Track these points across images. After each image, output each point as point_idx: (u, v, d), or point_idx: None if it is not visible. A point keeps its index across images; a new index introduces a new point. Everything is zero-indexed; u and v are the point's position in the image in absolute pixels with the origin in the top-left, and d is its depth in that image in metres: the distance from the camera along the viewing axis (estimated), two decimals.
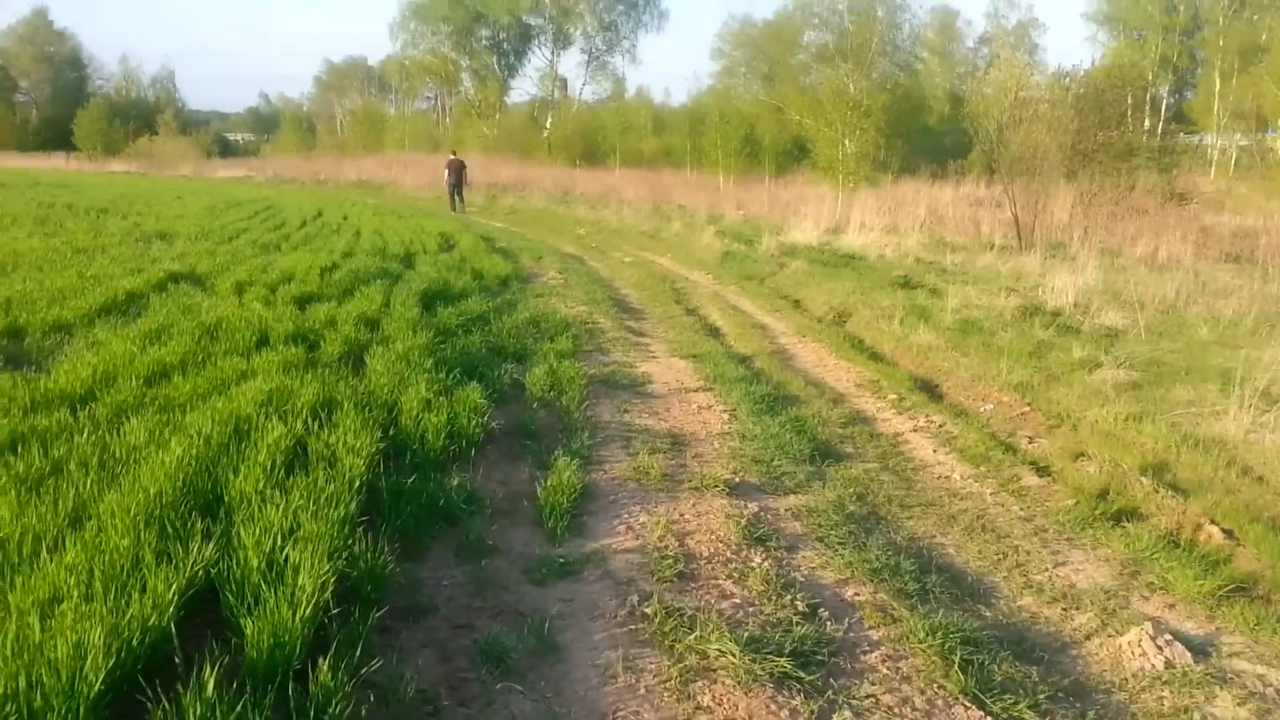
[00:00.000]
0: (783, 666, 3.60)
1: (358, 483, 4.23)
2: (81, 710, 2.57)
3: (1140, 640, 4.07)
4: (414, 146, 54.73)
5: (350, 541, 3.69)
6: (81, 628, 2.77)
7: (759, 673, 3.54)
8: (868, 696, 3.57)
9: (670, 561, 4.51)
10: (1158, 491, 5.97)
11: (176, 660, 2.92)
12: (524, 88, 62.64)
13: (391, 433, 5.38)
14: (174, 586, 3.09)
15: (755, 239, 20.08)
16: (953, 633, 3.95)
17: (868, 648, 3.91)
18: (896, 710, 3.49)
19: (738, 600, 4.19)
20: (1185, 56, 50.86)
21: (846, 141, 30.13)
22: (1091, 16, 54.37)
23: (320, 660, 2.97)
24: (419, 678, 3.40)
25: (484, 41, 60.10)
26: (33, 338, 7.26)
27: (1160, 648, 4.01)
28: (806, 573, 4.60)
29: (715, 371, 8.68)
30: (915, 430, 7.49)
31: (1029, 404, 8.23)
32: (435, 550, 4.54)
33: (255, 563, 3.35)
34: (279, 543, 3.49)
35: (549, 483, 5.16)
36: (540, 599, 4.18)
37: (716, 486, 5.58)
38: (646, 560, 4.55)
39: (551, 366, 7.93)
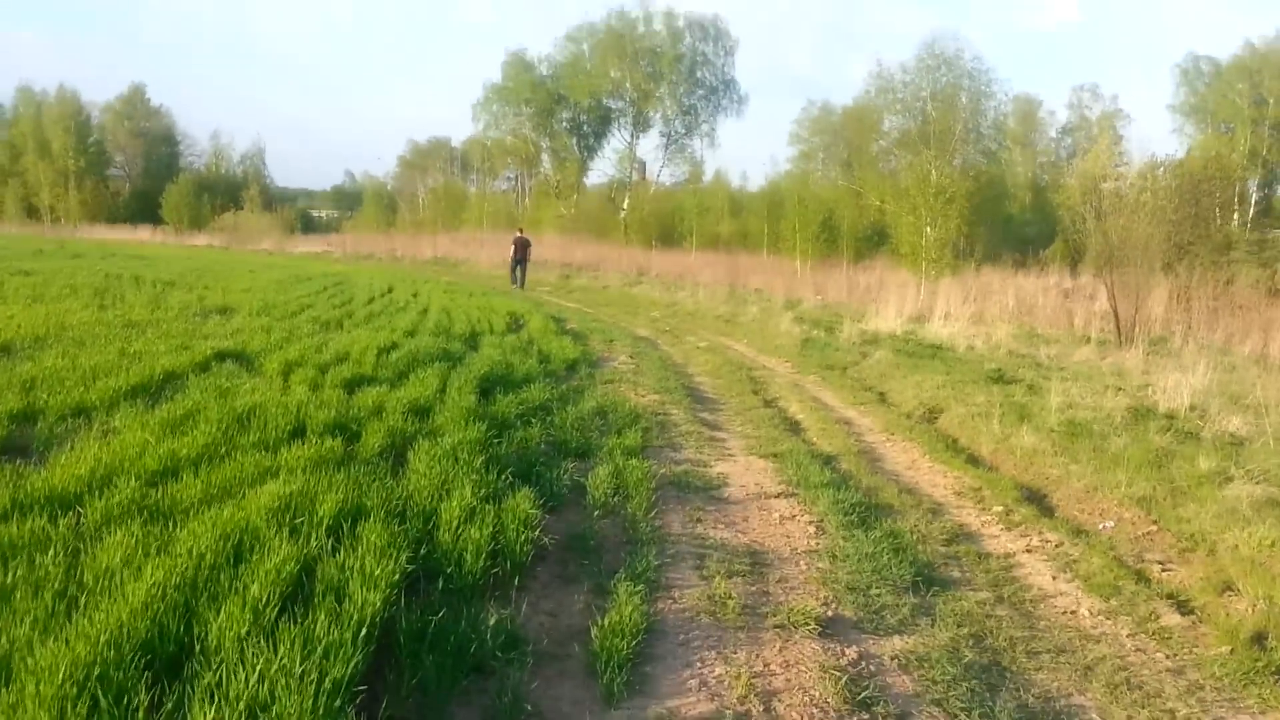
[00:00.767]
0: None
1: (367, 626, 3.41)
2: None
3: None
4: (492, 225, 55.03)
5: None
6: None
7: None
8: None
9: None
10: None
11: None
12: (602, 169, 62.59)
13: (423, 551, 4.56)
14: None
15: (835, 326, 19.22)
16: None
17: None
18: None
19: None
20: (1275, 150, 49.52)
21: (928, 228, 29.30)
22: (1178, 108, 53.45)
23: None
24: None
25: (564, 123, 60.58)
26: (45, 422, 6.58)
27: None
28: None
29: (798, 474, 7.78)
30: (1029, 551, 6.51)
31: (1155, 522, 7.23)
32: (461, 715, 3.67)
33: None
34: None
35: (607, 620, 4.28)
36: None
37: (807, 624, 4.67)
38: None
39: (617, 466, 7.11)
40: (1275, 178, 51.55)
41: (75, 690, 2.69)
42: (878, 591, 5.30)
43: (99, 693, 2.72)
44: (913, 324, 19.76)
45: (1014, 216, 44.46)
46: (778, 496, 7.25)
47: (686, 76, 57.11)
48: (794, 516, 6.75)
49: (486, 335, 14.65)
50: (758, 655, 4.30)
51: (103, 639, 2.99)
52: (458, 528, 4.82)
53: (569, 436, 8.11)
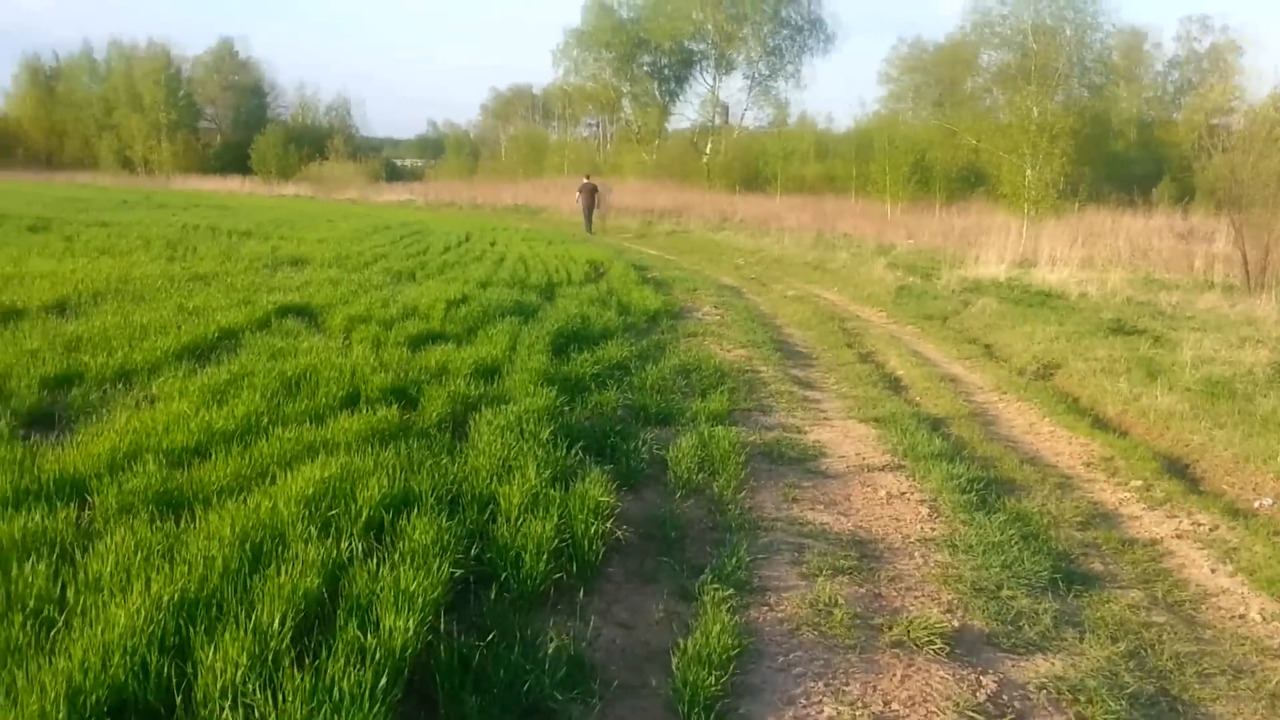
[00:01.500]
0: None
1: (394, 664, 2.73)
2: None
3: None
4: (573, 171, 54.22)
5: None
6: None
7: None
8: None
9: None
10: None
11: None
12: (685, 114, 60.99)
13: (475, 550, 3.88)
14: None
15: (932, 272, 18.15)
16: None
17: None
18: None
19: None
20: None
21: (1030, 169, 27.75)
22: None
23: None
24: None
25: (645, 68, 59.11)
26: (81, 389, 6.04)
27: None
28: None
29: (904, 442, 6.96)
30: (1178, 536, 5.64)
31: None
32: None
33: None
34: None
35: (691, 644, 3.54)
36: None
37: (931, 641, 3.88)
38: None
39: (702, 436, 6.37)
40: None
41: None
42: (1010, 593, 4.49)
43: None
44: (1017, 269, 18.58)
45: (1119, 154, 42.13)
46: (883, 469, 6.46)
47: (771, 16, 55.04)
48: (903, 494, 5.97)
49: (564, 285, 13.98)
50: (875, 687, 3.52)
51: (62, 692, 2.36)
52: (518, 519, 4.14)
53: (648, 400, 7.39)
